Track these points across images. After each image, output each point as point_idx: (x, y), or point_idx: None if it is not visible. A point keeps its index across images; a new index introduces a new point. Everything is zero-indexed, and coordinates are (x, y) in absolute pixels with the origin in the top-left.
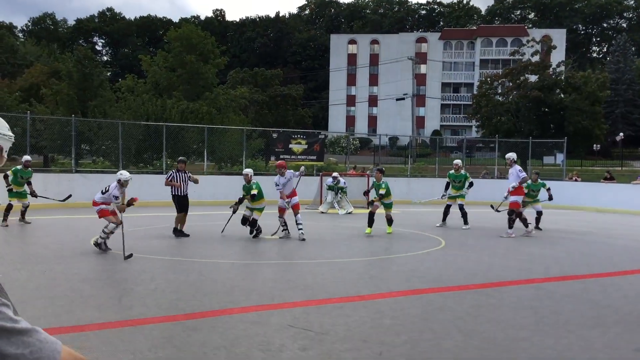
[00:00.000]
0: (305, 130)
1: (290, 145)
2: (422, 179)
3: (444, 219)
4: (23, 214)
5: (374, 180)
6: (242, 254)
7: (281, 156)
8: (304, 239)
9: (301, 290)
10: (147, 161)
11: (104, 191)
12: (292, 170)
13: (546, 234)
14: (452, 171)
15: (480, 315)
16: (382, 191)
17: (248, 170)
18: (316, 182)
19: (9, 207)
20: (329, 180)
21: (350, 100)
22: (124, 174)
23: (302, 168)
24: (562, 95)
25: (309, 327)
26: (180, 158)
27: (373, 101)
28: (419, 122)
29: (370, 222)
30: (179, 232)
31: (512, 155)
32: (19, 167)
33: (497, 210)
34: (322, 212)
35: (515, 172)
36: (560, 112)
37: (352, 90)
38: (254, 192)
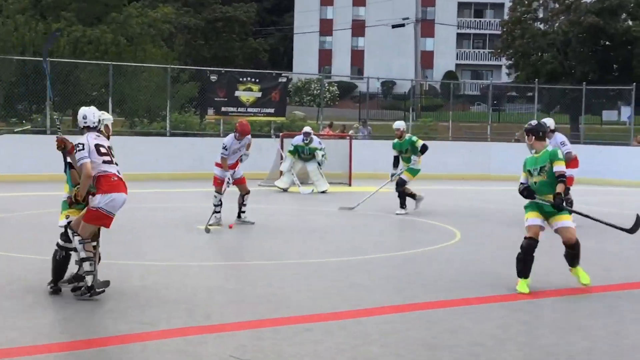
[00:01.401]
0: (258, 70)
1: (237, 93)
2: (429, 143)
3: (402, 203)
4: None
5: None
6: (165, 251)
7: (223, 108)
8: (252, 223)
9: (250, 305)
10: (22, 115)
11: None
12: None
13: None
14: (396, 140)
15: (511, 338)
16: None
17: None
18: (274, 148)
19: None
20: (296, 139)
21: (326, 27)
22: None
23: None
24: (631, 23)
25: (261, 358)
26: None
27: (359, 29)
28: (426, 59)
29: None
30: None
31: (548, 121)
32: None
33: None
34: (283, 190)
35: (556, 144)
36: (627, 47)
37: (328, 12)
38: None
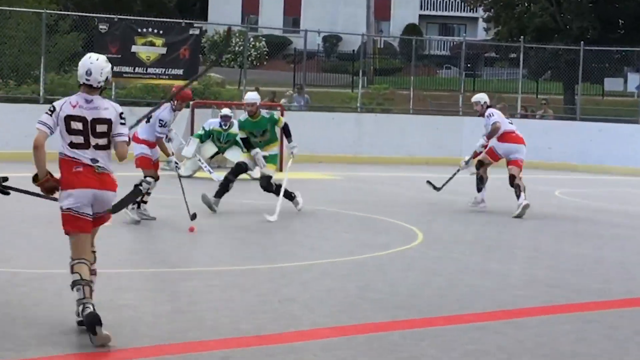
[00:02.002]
0: (163, 19)
1: (135, 48)
2: (384, 117)
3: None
4: None
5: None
6: (35, 255)
7: (116, 68)
8: (153, 218)
9: (150, 327)
10: None
11: None
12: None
13: (604, 219)
14: (244, 116)
15: None
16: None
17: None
18: (184, 121)
19: None
20: (211, 122)
21: None
22: None
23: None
24: None
25: None
26: None
27: None
28: (381, 9)
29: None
30: None
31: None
32: None
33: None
34: (186, 177)
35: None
36: None
37: None
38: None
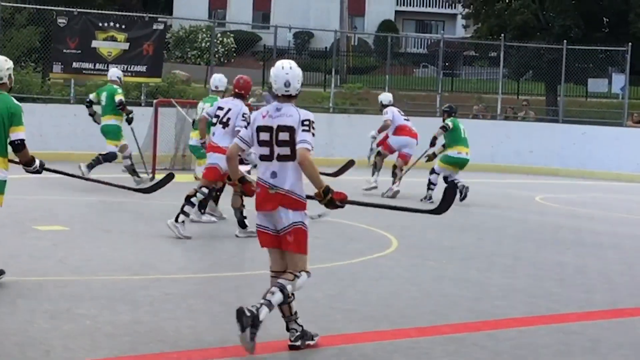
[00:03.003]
0: (125, 13)
1: (95, 44)
2: (358, 117)
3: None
4: None
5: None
6: None
7: (75, 64)
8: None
9: (107, 339)
10: None
11: None
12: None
13: (586, 226)
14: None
15: None
16: None
17: None
18: (146, 119)
19: None
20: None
21: None
22: None
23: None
24: None
25: None
26: None
27: None
28: (355, 4)
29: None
30: None
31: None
32: None
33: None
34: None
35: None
36: None
37: None
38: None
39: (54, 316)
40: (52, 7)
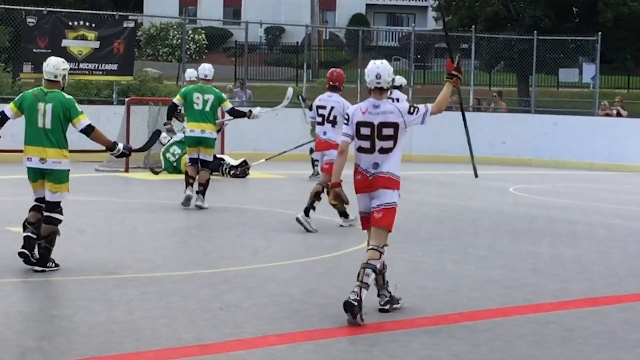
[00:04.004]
0: (95, 11)
1: (65, 43)
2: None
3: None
4: None
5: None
6: None
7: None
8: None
9: (84, 338)
10: None
11: None
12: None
13: (560, 216)
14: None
15: None
16: None
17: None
18: (117, 118)
19: None
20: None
21: None
22: None
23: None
24: None
25: None
26: None
27: None
28: None
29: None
30: None
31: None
32: None
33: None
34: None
35: None
36: None
37: None
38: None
39: (29, 317)
40: (21, 7)
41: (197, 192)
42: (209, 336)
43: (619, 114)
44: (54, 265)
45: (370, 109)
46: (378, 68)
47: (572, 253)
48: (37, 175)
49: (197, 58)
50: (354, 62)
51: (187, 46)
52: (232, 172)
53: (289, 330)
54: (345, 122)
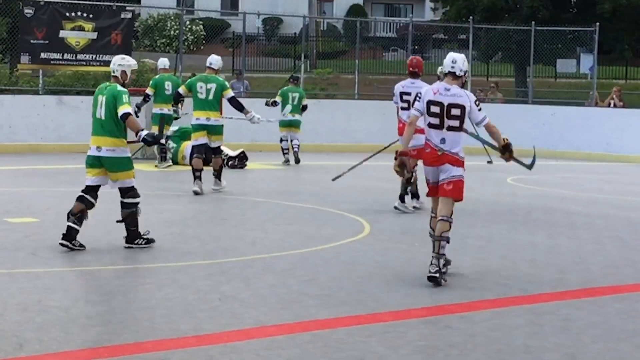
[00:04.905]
0: (93, 2)
1: (63, 34)
2: (328, 102)
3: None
4: None
5: None
6: None
7: (43, 54)
8: None
9: (81, 328)
10: None
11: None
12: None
13: (558, 207)
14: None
15: None
16: None
17: None
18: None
19: None
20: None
21: None
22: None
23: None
24: None
25: None
26: None
27: None
28: None
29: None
30: None
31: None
32: None
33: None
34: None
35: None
36: None
37: None
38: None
39: (27, 308)
40: None
41: (214, 176)
42: (207, 327)
43: (614, 105)
44: (143, 242)
45: (442, 91)
46: (455, 55)
47: (570, 243)
48: (94, 162)
49: (195, 49)
50: (351, 52)
51: (185, 37)
52: (230, 163)
53: (287, 320)
54: (418, 99)
